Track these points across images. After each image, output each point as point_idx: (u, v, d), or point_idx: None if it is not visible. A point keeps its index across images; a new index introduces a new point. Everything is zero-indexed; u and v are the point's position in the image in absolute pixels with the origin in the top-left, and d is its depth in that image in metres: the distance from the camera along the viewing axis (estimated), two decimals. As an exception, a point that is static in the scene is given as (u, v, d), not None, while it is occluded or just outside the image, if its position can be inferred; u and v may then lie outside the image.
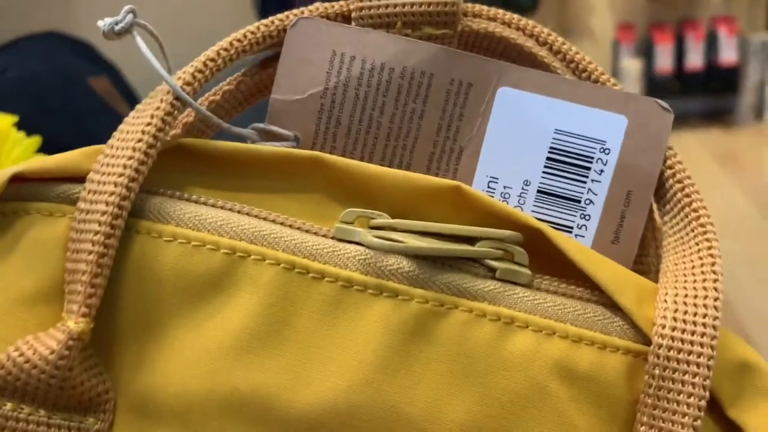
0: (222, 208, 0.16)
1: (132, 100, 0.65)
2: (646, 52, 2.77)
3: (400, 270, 0.15)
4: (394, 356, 0.15)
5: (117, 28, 0.19)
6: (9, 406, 0.15)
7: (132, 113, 0.18)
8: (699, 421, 0.16)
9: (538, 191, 0.19)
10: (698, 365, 0.15)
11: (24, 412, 0.14)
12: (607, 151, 0.18)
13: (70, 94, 0.61)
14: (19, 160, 0.36)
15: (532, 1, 2.55)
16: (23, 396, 0.14)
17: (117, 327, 0.15)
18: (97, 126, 0.51)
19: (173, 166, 0.17)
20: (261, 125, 0.19)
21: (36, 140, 0.44)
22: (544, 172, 0.19)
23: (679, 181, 0.19)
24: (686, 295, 0.16)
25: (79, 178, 0.16)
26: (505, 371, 0.16)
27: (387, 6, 0.19)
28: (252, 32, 0.18)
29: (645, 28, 2.83)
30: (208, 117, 0.18)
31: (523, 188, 0.19)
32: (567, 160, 0.19)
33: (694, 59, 2.72)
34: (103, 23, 0.19)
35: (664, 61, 2.73)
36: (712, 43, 2.75)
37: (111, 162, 0.16)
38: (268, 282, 0.15)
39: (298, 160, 0.17)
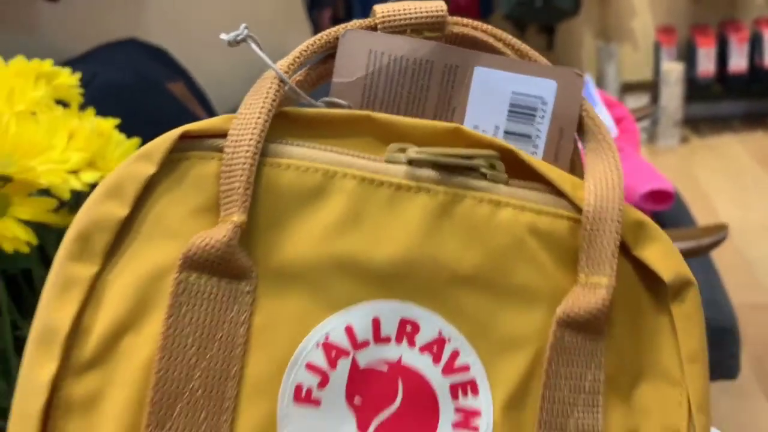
0: (314, 148, 0.24)
1: (205, 102, 0.70)
2: (687, 54, 2.75)
3: (429, 177, 0.24)
4: (430, 228, 0.24)
5: (239, 38, 0.26)
6: (194, 275, 0.23)
7: (249, 92, 0.26)
8: (615, 255, 0.24)
9: (505, 132, 0.28)
10: (611, 221, 0.24)
11: (203, 279, 0.23)
12: (545, 103, 0.27)
13: (152, 99, 0.66)
14: (121, 161, 0.41)
15: (574, 5, 2.56)
16: (203, 269, 0.22)
17: (256, 223, 0.23)
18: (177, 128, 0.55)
19: (280, 124, 0.25)
20: (327, 99, 0.27)
21: (135, 142, 0.49)
22: (507, 120, 0.28)
23: (591, 119, 0.27)
24: (602, 184, 0.25)
25: (220, 135, 0.24)
26: (497, 232, 0.25)
27: (399, 19, 0.27)
28: (318, 39, 0.27)
29: (686, 31, 2.81)
30: (299, 93, 0.26)
31: (494, 131, 0.28)
32: (521, 111, 0.28)
33: (737, 61, 2.70)
34: (227, 36, 0.26)
35: (706, 63, 2.71)
36: (755, 45, 2.72)
37: (244, 122, 0.24)
38: (350, 189, 0.24)
39: (355, 117, 0.25)
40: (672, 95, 2.64)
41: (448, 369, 0.23)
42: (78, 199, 0.47)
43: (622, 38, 2.95)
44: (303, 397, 0.22)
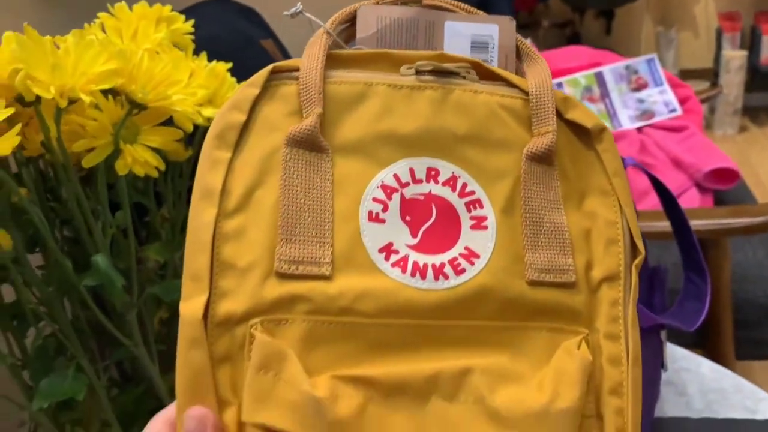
0: (354, 71, 0.36)
1: (288, 57, 0.73)
2: (751, 41, 2.69)
3: (429, 79, 0.36)
4: (435, 110, 0.35)
5: (296, 11, 0.38)
6: (295, 149, 0.33)
7: (308, 43, 0.36)
8: (553, 114, 0.36)
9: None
10: (547, 94, 0.36)
11: (300, 151, 0.33)
12: (493, 39, 0.39)
13: (248, 53, 0.70)
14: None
15: (635, -11, 2.53)
16: (300, 145, 0.33)
17: (324, 120, 0.34)
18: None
19: (330, 60, 0.36)
20: (356, 45, 0.38)
21: (233, 84, 0.52)
22: (471, 52, 0.39)
23: (524, 46, 0.39)
24: (538, 78, 0.37)
25: (296, 69, 0.35)
26: (478, 108, 0.36)
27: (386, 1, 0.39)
28: (344, 11, 0.38)
29: (750, 18, 2.75)
30: (339, 42, 0.38)
31: (463, 60, 0.40)
32: (478, 45, 0.39)
33: (803, 50, 2.63)
34: (290, 11, 0.37)
35: (769, 51, 2.65)
36: (822, 34, 2.64)
37: (309, 59, 0.35)
38: (382, 92, 0.35)
39: (376, 53, 0.36)
40: (732, 83, 2.59)
41: (462, 194, 0.35)
42: (194, 134, 0.51)
43: (683, 24, 2.89)
44: (374, 217, 0.33)
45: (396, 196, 0.34)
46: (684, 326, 0.67)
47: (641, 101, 1.33)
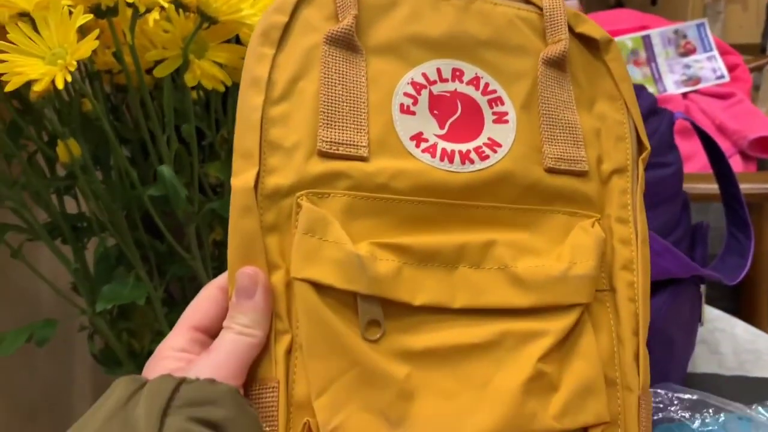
0: None
1: None
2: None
3: None
4: (460, 17, 0.38)
5: None
6: (333, 47, 0.36)
7: None
8: (565, 26, 0.39)
9: None
10: (560, 11, 0.39)
11: (338, 49, 0.36)
12: None
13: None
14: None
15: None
16: (337, 43, 0.36)
17: (358, 24, 0.36)
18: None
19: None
20: None
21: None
22: None
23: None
24: (552, 3, 0.40)
25: None
26: (498, 17, 0.39)
27: None
28: None
29: (803, -7, 2.66)
30: None
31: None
32: None
33: None
34: None
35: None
36: None
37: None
38: (411, 1, 0.38)
39: None
40: (780, 60, 2.52)
41: (484, 92, 0.38)
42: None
43: (732, -3, 2.81)
44: (405, 110, 0.36)
45: (425, 92, 0.36)
46: (725, 279, 0.68)
47: (688, 66, 1.30)
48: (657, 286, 0.64)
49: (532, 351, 0.34)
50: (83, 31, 0.44)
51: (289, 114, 0.34)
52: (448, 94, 0.37)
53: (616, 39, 1.34)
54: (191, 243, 0.52)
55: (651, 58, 1.32)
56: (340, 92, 0.35)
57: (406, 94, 0.36)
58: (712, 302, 1.06)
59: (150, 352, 0.58)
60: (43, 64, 0.42)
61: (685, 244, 0.70)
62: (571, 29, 0.40)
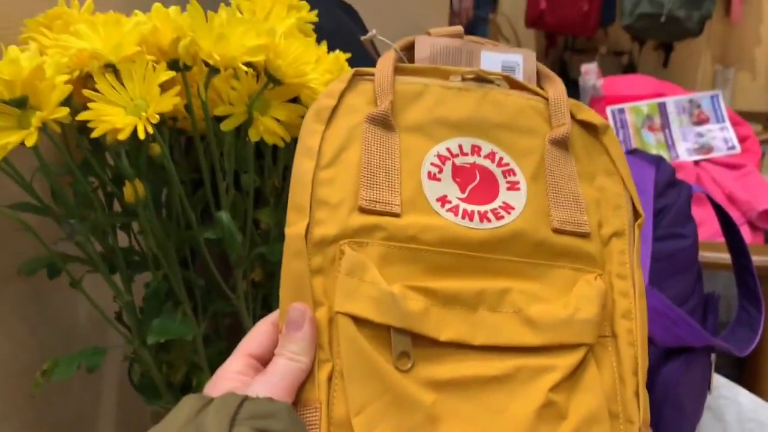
0: (416, 76, 0.45)
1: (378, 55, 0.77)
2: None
3: (473, 84, 0.46)
4: (478, 105, 0.45)
5: (372, 36, 0.50)
6: (372, 126, 0.43)
7: (380, 58, 0.46)
8: (567, 114, 0.46)
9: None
10: (563, 100, 0.46)
11: (377, 127, 0.43)
12: (518, 65, 0.49)
13: (350, 46, 0.74)
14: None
15: (699, 25, 2.54)
16: (376, 123, 0.42)
17: (393, 107, 0.43)
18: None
19: (397, 69, 0.46)
20: (424, 64, 0.49)
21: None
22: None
23: (543, 69, 0.49)
24: (556, 90, 0.47)
25: (371, 74, 0.45)
26: (511, 105, 0.45)
27: (442, 33, 0.49)
28: (407, 40, 0.48)
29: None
30: (404, 58, 0.48)
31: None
32: (507, 69, 0.48)
33: None
34: (367, 35, 0.50)
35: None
36: None
37: (382, 67, 0.45)
38: (437, 90, 0.45)
39: (431, 67, 0.47)
40: (786, 130, 2.58)
41: (499, 164, 0.44)
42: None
43: (742, 65, 2.89)
44: (432, 176, 0.42)
45: (448, 163, 0.43)
46: (736, 351, 0.70)
47: (701, 135, 1.35)
48: (671, 354, 0.67)
49: (543, 383, 0.39)
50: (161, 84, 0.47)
51: (335, 177, 0.40)
52: (468, 165, 0.43)
53: (633, 104, 1.39)
54: (238, 284, 0.55)
55: (665, 125, 1.37)
56: (378, 161, 0.41)
57: (432, 164, 0.42)
58: (716, 369, 1.08)
59: (185, 384, 0.60)
60: (125, 114, 0.46)
61: (699, 313, 0.73)
62: (573, 116, 0.46)
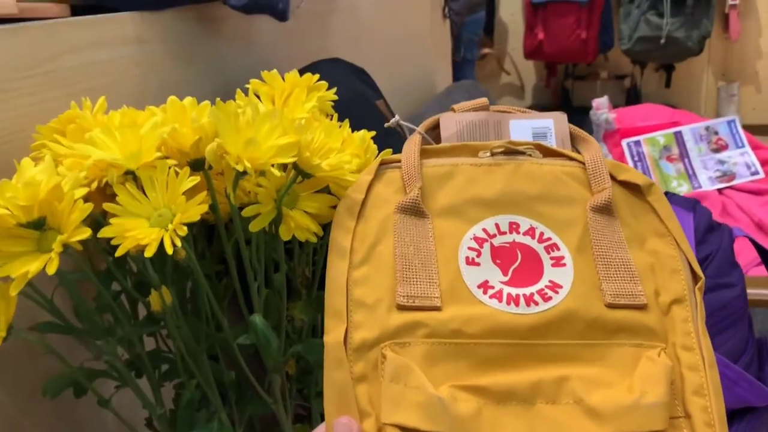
0: (443, 158, 0.44)
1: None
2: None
3: (503, 158, 0.44)
4: (511, 179, 0.43)
5: (395, 122, 0.49)
6: (404, 216, 0.41)
7: (406, 142, 0.45)
8: (607, 178, 0.43)
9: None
10: (602, 163, 0.44)
11: (408, 216, 0.41)
12: (550, 129, 0.48)
13: (366, 113, 0.72)
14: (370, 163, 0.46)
15: (700, 44, 2.53)
16: (407, 212, 0.41)
17: (423, 193, 0.42)
18: (384, 142, 0.59)
19: (424, 152, 0.44)
20: (442, 143, 0.47)
21: (375, 150, 0.54)
22: (533, 141, 0.46)
23: (576, 131, 0.47)
24: (592, 153, 0.45)
25: (397, 161, 0.44)
26: (545, 175, 0.43)
27: (467, 107, 0.49)
28: (432, 119, 0.47)
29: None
30: (429, 140, 0.47)
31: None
32: (539, 135, 0.47)
33: None
34: (390, 122, 0.49)
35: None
36: None
37: (408, 152, 0.43)
38: (466, 170, 0.43)
39: (458, 145, 0.45)
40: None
41: (540, 240, 0.41)
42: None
43: (746, 80, 2.88)
44: (470, 262, 0.40)
45: (486, 245, 0.41)
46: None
47: (722, 162, 1.32)
48: (733, 415, 0.63)
49: None
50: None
51: (370, 275, 0.39)
52: (507, 245, 0.41)
53: (648, 135, 1.36)
54: (275, 389, 0.51)
55: (684, 154, 1.34)
56: (413, 252, 0.39)
57: (470, 248, 0.40)
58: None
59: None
60: (147, 225, 0.43)
61: (755, 365, 0.69)
62: (613, 177, 0.44)
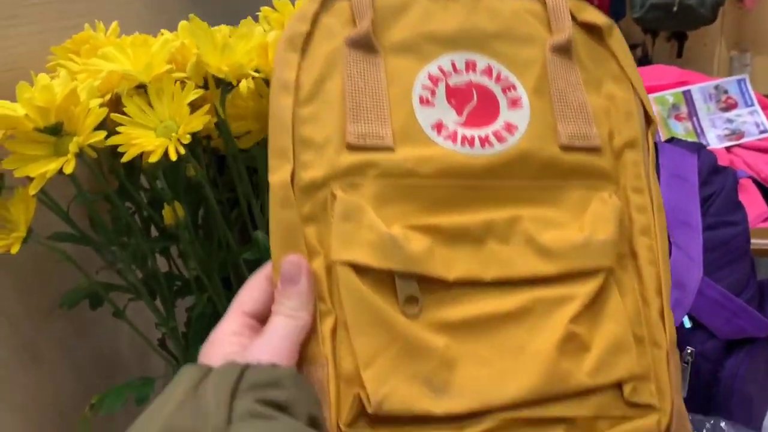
0: None
1: None
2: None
3: None
4: (469, 13, 0.40)
5: None
6: (353, 50, 0.38)
7: None
8: (569, 19, 0.41)
9: None
10: (562, 2, 0.42)
11: (359, 51, 0.38)
12: None
13: None
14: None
15: (713, 12, 2.51)
16: (357, 46, 0.38)
17: (374, 26, 0.38)
18: None
19: None
20: None
21: None
22: None
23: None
24: None
25: None
26: (506, 12, 0.41)
27: None
28: None
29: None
30: None
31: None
32: None
33: None
34: None
35: None
36: None
37: None
38: (422, 3, 0.40)
39: None
40: (810, 111, 2.53)
41: (497, 80, 0.40)
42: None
43: (759, 49, 2.85)
44: (424, 102, 0.38)
45: (441, 84, 0.39)
46: (799, 338, 0.67)
47: (730, 121, 1.32)
48: (732, 347, 0.64)
49: (562, 315, 0.36)
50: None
51: (318, 113, 0.37)
52: (463, 85, 0.39)
53: (657, 94, 1.36)
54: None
55: (692, 113, 1.34)
56: (363, 89, 0.37)
57: (424, 87, 0.38)
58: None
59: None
60: (155, 136, 0.44)
61: (755, 302, 0.70)
62: (574, 17, 0.42)
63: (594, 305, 0.37)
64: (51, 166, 0.41)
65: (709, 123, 1.31)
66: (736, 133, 1.28)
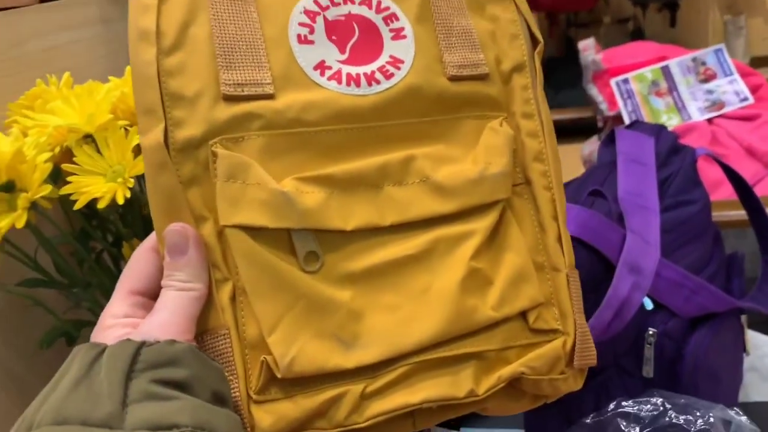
0: None
1: None
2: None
3: None
4: None
5: None
6: None
7: None
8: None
9: None
10: None
11: None
12: None
13: None
14: None
15: (699, -22, 2.48)
16: None
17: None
18: None
19: None
20: None
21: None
22: None
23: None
24: None
25: None
26: None
27: None
28: None
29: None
30: None
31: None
32: None
33: None
34: None
35: None
36: None
37: None
38: None
39: None
40: (808, 68, 2.50)
41: (378, 10, 0.38)
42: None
43: (753, 11, 2.82)
44: (303, 40, 0.36)
45: (319, 19, 0.36)
46: (764, 309, 0.69)
47: (710, 92, 1.32)
48: (696, 322, 0.66)
49: (463, 252, 0.36)
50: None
51: (186, 62, 0.33)
52: (343, 18, 0.37)
53: (636, 72, 1.37)
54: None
55: (672, 88, 1.34)
56: (234, 31, 0.34)
57: (301, 24, 0.36)
58: (755, 327, 1.05)
59: None
60: (104, 181, 0.47)
61: (721, 277, 0.72)
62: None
63: (494, 238, 0.37)
64: (3, 223, 0.44)
65: (689, 96, 1.32)
66: (717, 104, 1.28)
